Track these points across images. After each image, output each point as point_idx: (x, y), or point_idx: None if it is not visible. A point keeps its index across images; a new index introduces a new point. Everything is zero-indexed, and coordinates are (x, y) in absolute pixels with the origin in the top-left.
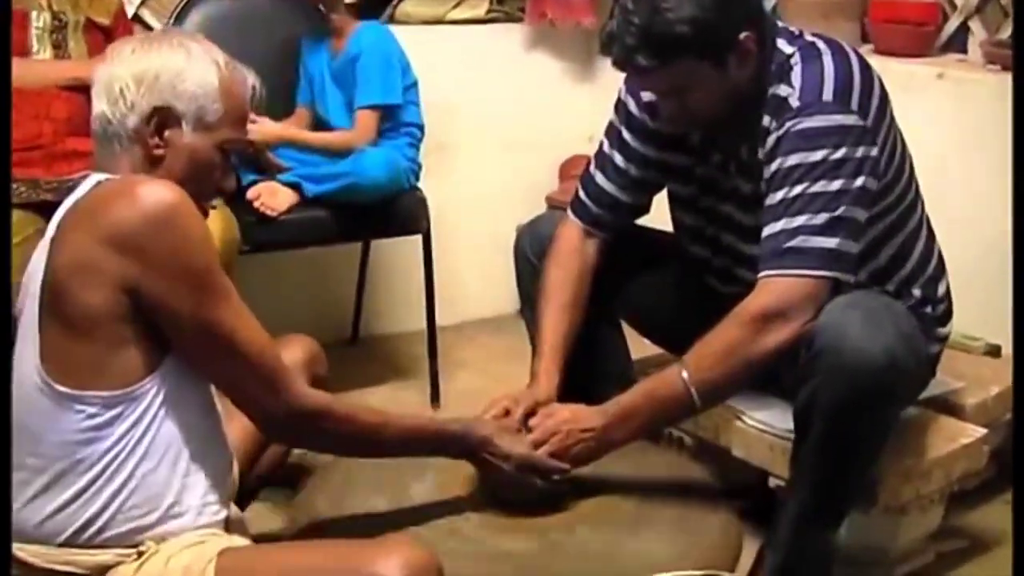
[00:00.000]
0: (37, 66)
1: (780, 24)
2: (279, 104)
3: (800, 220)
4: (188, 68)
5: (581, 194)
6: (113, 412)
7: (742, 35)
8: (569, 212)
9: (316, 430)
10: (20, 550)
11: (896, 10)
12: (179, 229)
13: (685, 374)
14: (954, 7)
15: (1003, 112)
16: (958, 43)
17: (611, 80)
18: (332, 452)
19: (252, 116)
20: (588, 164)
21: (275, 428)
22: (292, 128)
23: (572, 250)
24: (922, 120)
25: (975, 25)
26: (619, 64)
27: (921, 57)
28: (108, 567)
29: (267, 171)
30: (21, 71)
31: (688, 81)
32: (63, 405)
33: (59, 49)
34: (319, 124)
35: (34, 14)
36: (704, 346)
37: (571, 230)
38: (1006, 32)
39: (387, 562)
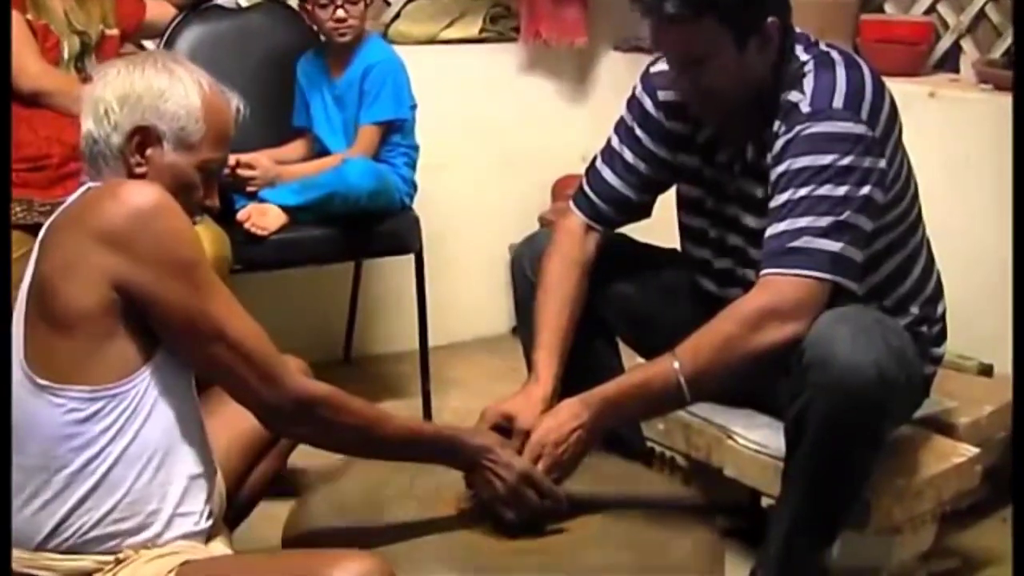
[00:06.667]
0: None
1: (799, 30)
2: (277, 124)
3: (804, 221)
4: (171, 89)
5: (586, 188)
6: (93, 408)
7: (768, 19)
8: (572, 204)
9: (316, 418)
10: None
11: (888, 29)
12: (164, 222)
13: (677, 365)
14: (946, 26)
15: (995, 131)
16: (950, 63)
17: (604, 99)
18: (333, 446)
19: (249, 159)
20: (594, 159)
21: (275, 417)
22: (290, 166)
23: (573, 243)
24: (914, 139)
25: (967, 44)
26: (647, 10)
27: (913, 76)
28: (86, 574)
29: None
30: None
31: (708, 49)
32: (43, 399)
33: (81, 74)
34: (319, 150)
35: (64, 43)
36: (698, 339)
37: (572, 223)
38: (998, 51)
39: (341, 572)
